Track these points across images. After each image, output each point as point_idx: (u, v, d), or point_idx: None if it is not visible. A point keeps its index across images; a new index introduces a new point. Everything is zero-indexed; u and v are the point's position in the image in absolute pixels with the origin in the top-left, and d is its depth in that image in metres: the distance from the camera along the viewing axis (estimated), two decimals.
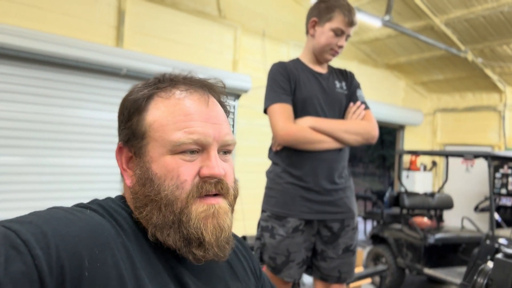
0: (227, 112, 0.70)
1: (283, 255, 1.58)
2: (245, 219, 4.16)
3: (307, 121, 1.57)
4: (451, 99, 6.29)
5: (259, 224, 1.69)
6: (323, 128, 1.56)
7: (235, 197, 0.67)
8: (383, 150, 23.44)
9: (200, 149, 0.62)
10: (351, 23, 1.57)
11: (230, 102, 3.31)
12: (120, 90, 3.36)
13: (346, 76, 1.73)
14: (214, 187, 0.61)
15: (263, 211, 1.68)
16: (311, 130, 1.56)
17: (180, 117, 0.62)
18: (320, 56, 1.65)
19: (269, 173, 1.70)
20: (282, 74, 1.62)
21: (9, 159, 2.82)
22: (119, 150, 0.65)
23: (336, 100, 1.64)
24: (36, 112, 2.92)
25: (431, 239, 3.83)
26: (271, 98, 1.61)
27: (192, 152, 0.61)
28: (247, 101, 4.19)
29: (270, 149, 1.72)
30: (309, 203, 1.59)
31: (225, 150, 0.65)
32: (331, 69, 1.72)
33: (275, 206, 1.62)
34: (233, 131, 4.07)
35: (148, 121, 0.62)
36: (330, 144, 1.57)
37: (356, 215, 1.69)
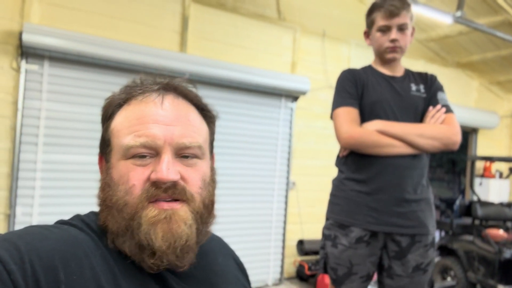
0: (207, 115, 0.66)
1: (345, 267, 1.51)
2: (302, 222, 4.12)
3: (375, 124, 1.49)
4: None
5: (322, 232, 1.64)
6: (393, 132, 1.46)
7: (205, 204, 0.63)
8: (453, 154, 21.93)
9: (152, 153, 0.58)
10: (390, 13, 1.49)
11: (288, 104, 3.22)
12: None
13: (425, 78, 1.61)
14: (164, 191, 0.57)
15: (326, 219, 1.63)
16: (378, 133, 1.47)
17: (133, 121, 0.60)
18: (382, 58, 1.59)
19: (334, 180, 1.65)
20: (349, 79, 1.59)
21: (89, 159, 3.06)
22: (100, 159, 0.66)
23: (411, 103, 1.54)
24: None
25: (507, 254, 3.49)
26: (336, 103, 1.58)
27: (143, 156, 0.58)
28: (305, 103, 4.14)
29: (338, 156, 1.66)
30: (375, 213, 1.48)
31: (185, 154, 0.60)
32: (408, 72, 1.63)
33: (338, 214, 1.56)
34: (290, 133, 4.06)
35: (111, 128, 0.62)
36: (402, 149, 1.46)
37: (431, 232, 1.53)
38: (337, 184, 1.61)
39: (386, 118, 1.50)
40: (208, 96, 3.79)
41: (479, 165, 5.85)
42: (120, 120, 0.61)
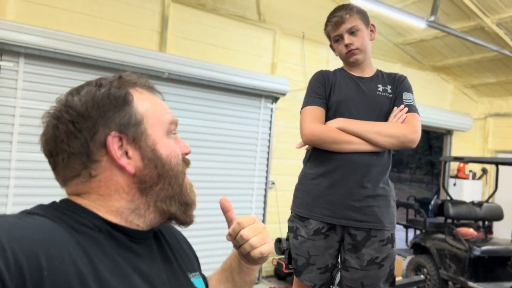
0: None
1: (304, 257, 1.57)
2: (281, 221, 4.17)
3: (336, 122, 1.55)
4: (504, 103, 5.92)
5: (287, 224, 1.70)
6: (352, 129, 1.51)
7: None
8: (431, 156, 22.42)
9: (175, 129, 0.74)
10: (336, 24, 1.60)
11: (267, 104, 3.32)
12: (161, 93, 3.49)
13: (393, 79, 1.66)
14: (187, 160, 0.75)
15: (290, 211, 1.69)
16: (338, 130, 1.52)
17: (160, 106, 0.72)
18: (348, 64, 1.67)
19: (299, 174, 1.71)
20: (318, 80, 1.66)
21: None
22: (111, 139, 0.65)
23: (376, 103, 1.59)
24: None
25: (477, 251, 3.62)
26: (304, 102, 1.65)
27: (174, 133, 0.73)
28: (285, 104, 4.19)
29: (306, 151, 1.72)
30: (332, 206, 1.54)
31: None
32: (378, 73, 1.68)
33: (298, 206, 1.61)
34: (270, 133, 4.11)
35: (142, 109, 0.68)
36: (360, 146, 1.51)
37: (387, 227, 1.56)
38: (300, 178, 1.67)
39: (350, 116, 1.56)
40: (187, 95, 3.79)
41: (454, 166, 6.03)
42: (148, 104, 0.70)
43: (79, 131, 0.64)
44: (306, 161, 1.67)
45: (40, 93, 2.97)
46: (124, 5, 3.38)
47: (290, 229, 1.64)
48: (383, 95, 1.61)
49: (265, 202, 4.09)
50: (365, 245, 1.54)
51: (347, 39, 1.59)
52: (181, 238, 0.87)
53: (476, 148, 6.18)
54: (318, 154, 1.60)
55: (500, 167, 4.69)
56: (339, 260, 1.63)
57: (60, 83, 3.03)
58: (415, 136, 1.53)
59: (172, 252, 0.76)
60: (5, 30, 2.70)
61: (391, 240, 1.58)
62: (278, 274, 4.08)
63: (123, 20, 3.38)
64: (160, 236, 0.76)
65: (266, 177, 4.09)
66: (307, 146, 1.65)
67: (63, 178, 0.68)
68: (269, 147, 4.11)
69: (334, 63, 4.52)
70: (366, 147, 1.52)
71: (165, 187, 0.69)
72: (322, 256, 1.57)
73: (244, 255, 0.79)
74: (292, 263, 1.61)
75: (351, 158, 1.53)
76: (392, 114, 1.57)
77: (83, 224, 0.62)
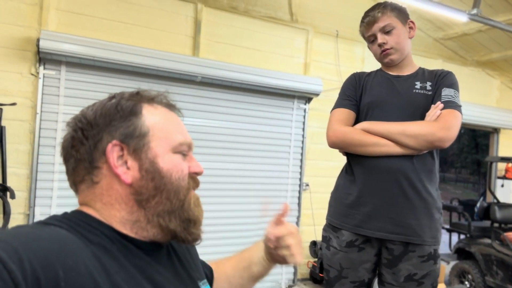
0: None
1: (335, 269, 1.50)
2: (315, 224, 4.10)
3: (361, 124, 1.47)
4: None
5: (322, 232, 1.64)
6: (376, 130, 1.42)
7: None
8: (477, 155, 21.28)
9: (187, 151, 0.73)
10: (368, 24, 1.53)
11: (300, 105, 3.30)
12: (195, 96, 3.55)
13: (434, 75, 1.53)
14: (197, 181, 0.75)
15: (326, 220, 1.63)
16: (362, 132, 1.44)
17: (175, 123, 0.73)
18: (383, 64, 1.61)
19: (335, 182, 1.64)
20: (350, 82, 1.61)
21: None
22: (112, 147, 0.66)
23: (411, 102, 1.47)
24: None
25: None
26: (334, 105, 1.60)
27: (185, 154, 0.73)
28: (318, 104, 4.13)
29: None
30: (365, 217, 1.44)
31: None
32: (419, 71, 1.56)
33: (331, 216, 1.56)
34: (303, 134, 4.05)
35: (150, 122, 0.69)
36: (389, 148, 1.40)
37: (428, 242, 1.42)
38: (335, 186, 1.62)
39: (382, 118, 1.46)
40: (220, 98, 3.82)
41: (501, 166, 5.67)
42: (159, 118, 0.70)
43: (86, 138, 0.67)
44: (343, 168, 1.61)
45: (80, 99, 3.10)
46: (158, 11, 3.46)
47: (324, 238, 1.58)
48: (421, 93, 1.49)
49: (299, 204, 4.05)
50: (402, 260, 1.43)
51: (381, 38, 1.50)
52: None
53: None
54: (350, 160, 1.53)
55: None
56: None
57: (98, 89, 3.15)
58: (445, 134, 1.36)
59: (181, 261, 0.77)
60: (48, 40, 2.84)
61: (434, 256, 1.44)
62: (314, 277, 4.02)
63: (157, 26, 3.46)
64: (169, 244, 0.76)
65: (300, 179, 4.05)
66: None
67: (72, 183, 0.72)
68: (302, 148, 4.06)
69: (369, 61, 4.40)
70: (394, 149, 1.40)
71: (163, 201, 0.68)
72: (355, 270, 1.48)
73: (271, 254, 0.87)
74: (324, 274, 1.56)
75: (383, 163, 1.42)
76: (428, 112, 1.45)
77: (96, 235, 0.63)
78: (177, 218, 0.69)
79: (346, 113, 1.52)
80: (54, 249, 0.53)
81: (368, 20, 1.53)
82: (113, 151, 0.66)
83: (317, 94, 3.95)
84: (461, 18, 3.50)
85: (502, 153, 5.63)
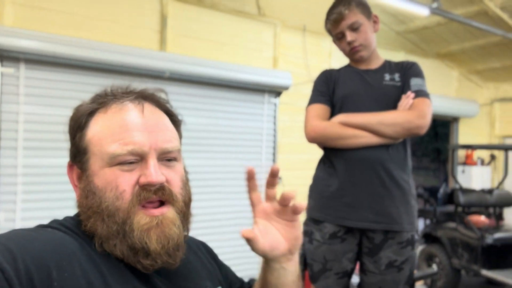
0: (175, 120, 0.71)
1: (320, 263, 1.51)
2: None
3: (338, 117, 1.49)
4: (510, 87, 5.83)
5: (302, 228, 1.65)
6: (354, 122, 1.44)
7: (186, 203, 0.67)
8: (437, 143, 22.22)
9: (138, 158, 0.62)
10: (335, 21, 1.52)
11: (271, 99, 3.26)
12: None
13: (401, 67, 1.58)
14: (154, 193, 0.61)
15: (306, 214, 1.63)
16: (341, 125, 1.46)
17: (115, 129, 0.63)
18: (352, 60, 1.62)
19: (313, 176, 1.66)
20: (321, 79, 1.62)
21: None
22: (70, 168, 0.68)
23: (383, 93, 1.52)
24: None
25: (489, 239, 3.58)
26: (308, 102, 1.61)
27: (130, 162, 0.62)
28: (288, 98, 4.15)
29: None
30: (347, 208, 1.47)
31: (168, 157, 0.65)
32: (386, 64, 1.61)
33: (313, 209, 1.56)
34: (274, 128, 4.07)
35: (88, 137, 0.64)
36: (367, 139, 1.43)
37: (407, 229, 1.47)
38: (314, 179, 1.63)
39: (356, 110, 1.49)
40: (189, 94, 3.77)
41: (462, 153, 5.96)
42: (98, 128, 0.63)
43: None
44: (319, 161, 1.63)
45: (43, 97, 2.95)
46: (122, 5, 3.34)
47: (305, 233, 1.58)
48: (390, 85, 1.54)
49: None
50: (382, 248, 1.47)
51: (349, 36, 1.52)
52: (194, 251, 0.80)
53: (483, 134, 6.11)
54: (328, 153, 1.55)
55: (510, 153, 4.63)
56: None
57: (62, 87, 3.01)
58: (422, 122, 1.43)
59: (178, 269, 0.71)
60: (3, 36, 2.68)
61: (412, 242, 1.49)
62: None
63: (122, 21, 3.35)
64: None
65: None
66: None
67: None
68: (274, 142, 4.08)
69: (336, 55, 4.47)
70: (373, 139, 1.44)
71: (98, 224, 0.60)
72: (339, 261, 1.50)
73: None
74: (308, 269, 1.57)
75: (361, 155, 1.46)
76: (400, 103, 1.50)
77: (89, 236, 0.62)
78: (123, 244, 0.59)
79: (322, 109, 1.54)
80: (48, 250, 0.53)
81: (335, 18, 1.52)
82: (71, 170, 0.68)
83: (286, 88, 3.97)
84: (423, 12, 3.62)
85: (461, 141, 5.92)
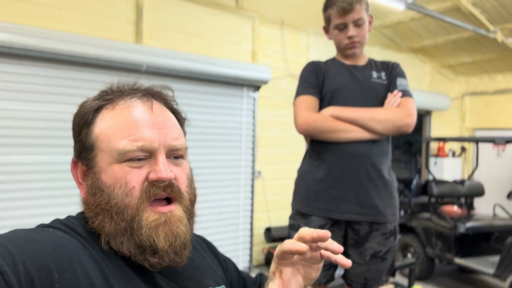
0: (180, 118, 0.70)
1: None
2: (269, 210, 4.16)
3: (330, 110, 1.50)
4: (480, 81, 6.04)
5: (288, 222, 1.65)
6: (346, 116, 1.46)
7: (192, 201, 0.67)
8: (408, 136, 22.89)
9: (147, 155, 0.62)
10: (344, 11, 1.48)
11: (250, 93, 3.21)
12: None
13: (387, 66, 1.62)
14: (163, 190, 0.61)
15: (291, 208, 1.64)
16: (333, 118, 1.47)
17: (124, 126, 0.62)
18: (343, 54, 1.60)
19: (298, 169, 1.66)
20: (310, 69, 1.60)
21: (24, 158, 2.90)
22: (74, 165, 0.67)
23: (372, 90, 1.55)
24: (57, 111, 2.97)
25: (461, 228, 3.71)
26: (297, 93, 1.59)
27: (140, 159, 0.61)
28: (267, 92, 4.14)
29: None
30: (334, 200, 1.48)
31: (175, 155, 0.65)
32: (371, 61, 1.63)
33: (299, 203, 1.57)
34: (254, 122, 4.06)
35: (96, 133, 0.63)
36: (358, 134, 1.46)
37: (390, 220, 1.52)
38: (300, 172, 1.63)
39: (345, 104, 1.51)
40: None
41: (434, 145, 6.15)
42: (106, 124, 0.62)
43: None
44: (306, 153, 1.63)
45: (13, 92, 2.82)
46: None
47: (292, 227, 1.59)
48: (378, 82, 1.56)
49: (252, 192, 4.06)
50: (368, 239, 1.50)
51: (352, 30, 1.50)
52: (197, 249, 0.79)
53: (454, 126, 6.31)
54: (316, 146, 1.55)
55: (480, 145, 4.81)
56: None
57: (34, 81, 2.88)
58: (410, 120, 1.48)
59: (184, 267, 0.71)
60: None
61: (394, 232, 1.54)
62: (269, 263, 4.09)
63: (95, 12, 3.23)
64: None
65: (253, 167, 4.06)
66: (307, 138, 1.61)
67: None
68: (253, 136, 4.07)
69: (314, 49, 4.49)
70: (363, 134, 1.47)
71: (106, 221, 0.60)
72: None
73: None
74: None
75: (349, 148, 1.48)
76: (387, 100, 1.54)
77: (93, 239, 0.61)
78: (130, 241, 0.59)
79: (312, 100, 1.53)
80: (48, 251, 0.52)
81: (344, 7, 1.48)
82: (75, 167, 0.66)
83: (265, 82, 3.96)
84: (399, 7, 3.68)
85: (434, 133, 6.10)
